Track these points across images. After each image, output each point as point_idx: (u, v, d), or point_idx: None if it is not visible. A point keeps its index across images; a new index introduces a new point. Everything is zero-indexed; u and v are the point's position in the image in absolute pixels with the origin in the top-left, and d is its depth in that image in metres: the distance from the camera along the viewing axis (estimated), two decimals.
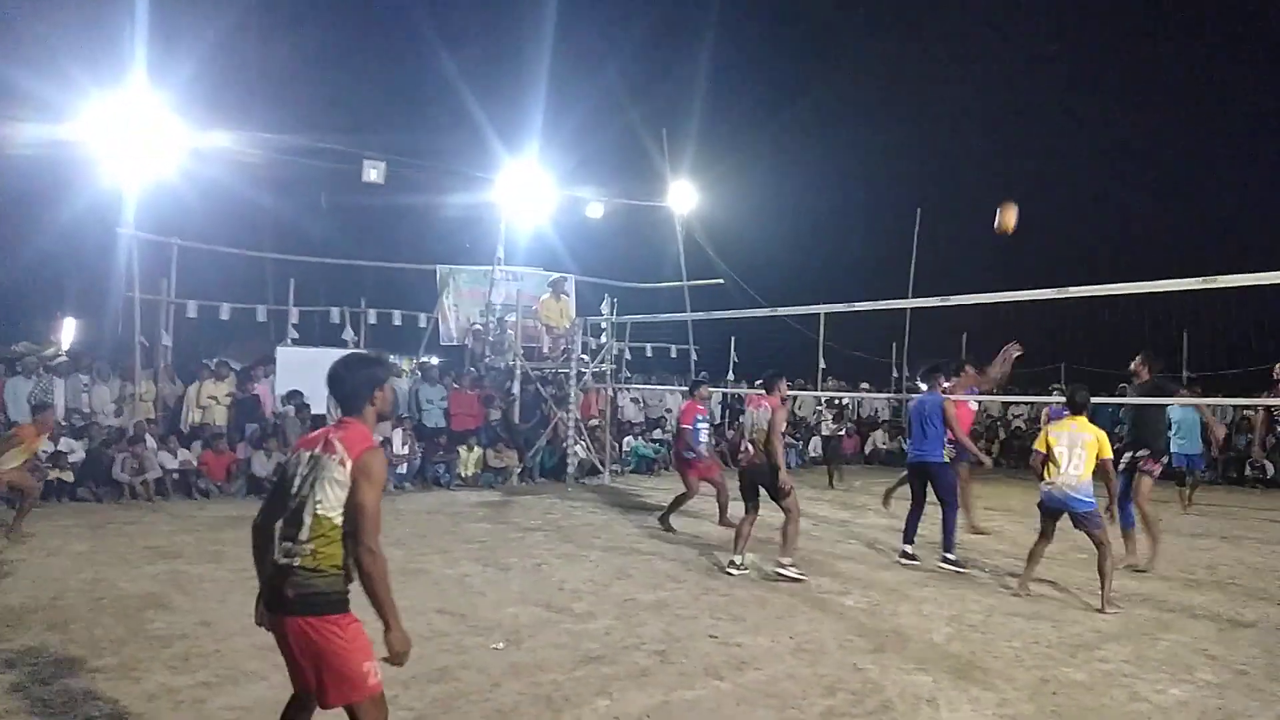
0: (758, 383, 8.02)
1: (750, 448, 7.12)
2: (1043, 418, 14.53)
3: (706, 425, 9.39)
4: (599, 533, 8.95)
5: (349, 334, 14.16)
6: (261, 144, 13.33)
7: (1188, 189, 26.86)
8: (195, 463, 10.88)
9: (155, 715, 3.97)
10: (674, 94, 24.92)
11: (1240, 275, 6.72)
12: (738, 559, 7.10)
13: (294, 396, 11.90)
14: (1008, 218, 7.41)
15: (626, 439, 14.82)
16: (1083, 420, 6.45)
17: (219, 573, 6.70)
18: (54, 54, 14.12)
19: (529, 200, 15.46)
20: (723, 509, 9.01)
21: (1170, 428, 9.67)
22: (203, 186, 14.32)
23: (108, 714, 3.97)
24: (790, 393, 11.74)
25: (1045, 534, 6.61)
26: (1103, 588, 6.21)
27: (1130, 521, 7.70)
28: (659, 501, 11.32)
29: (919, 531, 7.79)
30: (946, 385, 8.13)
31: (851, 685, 4.56)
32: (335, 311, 14.36)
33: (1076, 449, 6.29)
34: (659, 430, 15.59)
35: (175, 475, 10.66)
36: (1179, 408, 10.10)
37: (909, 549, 7.71)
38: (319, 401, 11.54)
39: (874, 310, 10.52)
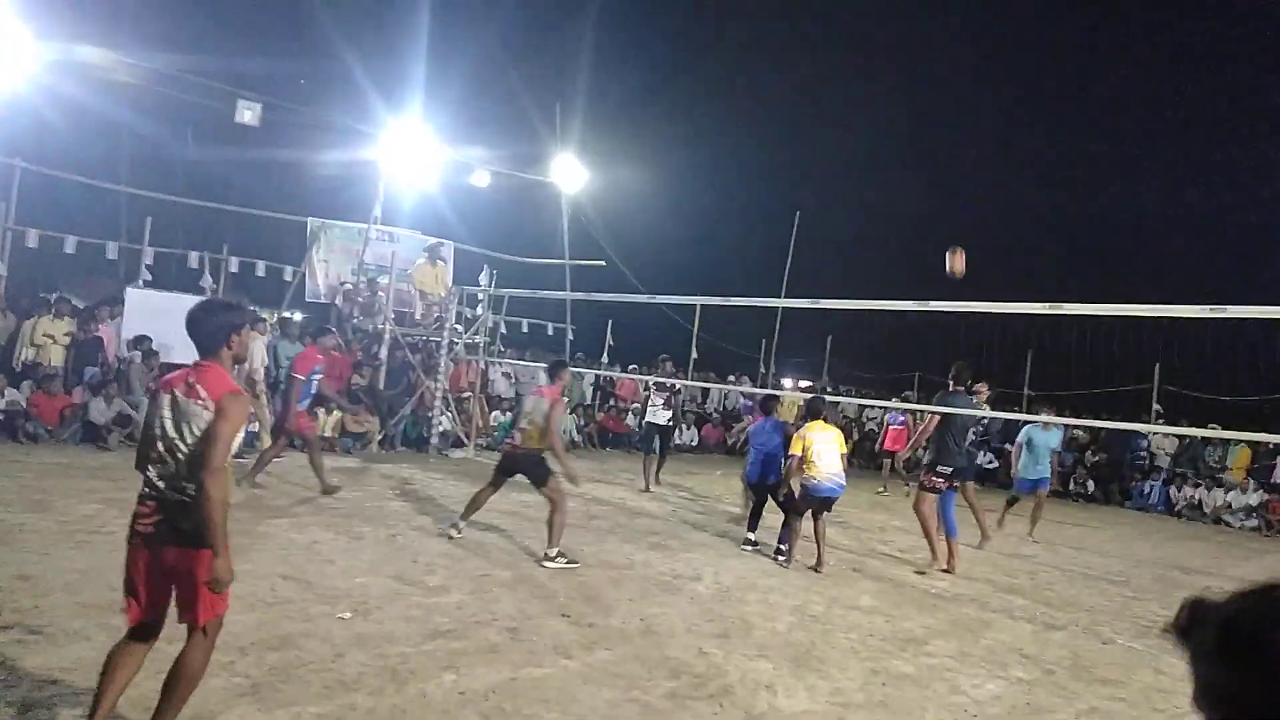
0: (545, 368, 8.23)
1: (518, 435, 7.23)
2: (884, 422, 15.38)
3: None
4: (459, 506, 8.80)
5: (207, 280, 13.35)
6: (128, 68, 12.32)
7: (1061, 207, 28.58)
8: (24, 404, 10.04)
9: None
10: (564, 69, 24.58)
11: (1085, 305, 7.26)
12: (461, 524, 7.27)
13: (141, 341, 11.17)
14: (957, 263, 7.72)
15: (494, 413, 14.65)
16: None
17: (42, 523, 6.22)
18: None
19: (411, 160, 14.97)
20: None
21: (1026, 450, 10.43)
22: (59, 105, 13.18)
23: None
24: (669, 380, 11.93)
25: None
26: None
27: (953, 531, 8.16)
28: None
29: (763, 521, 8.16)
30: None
31: (696, 669, 4.69)
32: (194, 256, 13.49)
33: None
34: None
35: (0, 416, 9.82)
36: (1039, 430, 10.28)
37: (751, 536, 8.15)
38: (168, 350, 10.87)
39: (748, 305, 10.78)
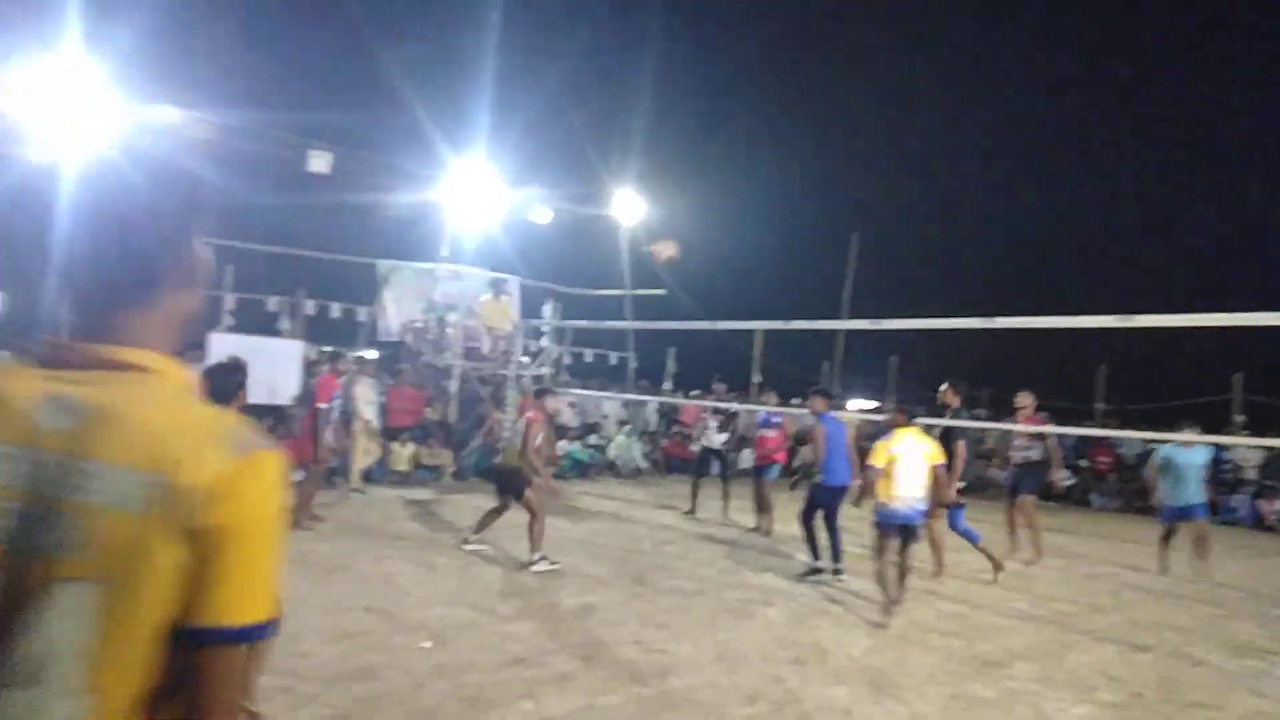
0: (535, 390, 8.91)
1: (501, 454, 8.00)
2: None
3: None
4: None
5: (285, 323, 13.89)
6: (205, 125, 13.00)
7: (1129, 226, 27.99)
8: None
9: None
10: (622, 106, 25.08)
11: (1158, 316, 7.10)
12: (473, 538, 7.89)
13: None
14: (664, 250, 7.91)
15: (561, 443, 14.83)
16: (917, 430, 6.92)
17: None
18: None
19: (475, 200, 15.39)
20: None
21: (1163, 473, 8.89)
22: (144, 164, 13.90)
23: None
24: (715, 403, 11.86)
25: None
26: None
27: (976, 537, 8.11)
28: (590, 507, 11.38)
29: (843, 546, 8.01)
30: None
31: (771, 695, 4.68)
32: (273, 300, 14.08)
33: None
34: (594, 435, 15.65)
35: None
36: (1179, 450, 8.79)
37: (816, 564, 7.91)
38: (250, 390, 11.30)
39: (809, 329, 10.76)
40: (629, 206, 17.42)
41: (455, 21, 26.44)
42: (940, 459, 6.85)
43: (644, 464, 15.65)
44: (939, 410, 8.55)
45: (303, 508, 8.54)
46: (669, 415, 18.02)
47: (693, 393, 17.86)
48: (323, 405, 8.93)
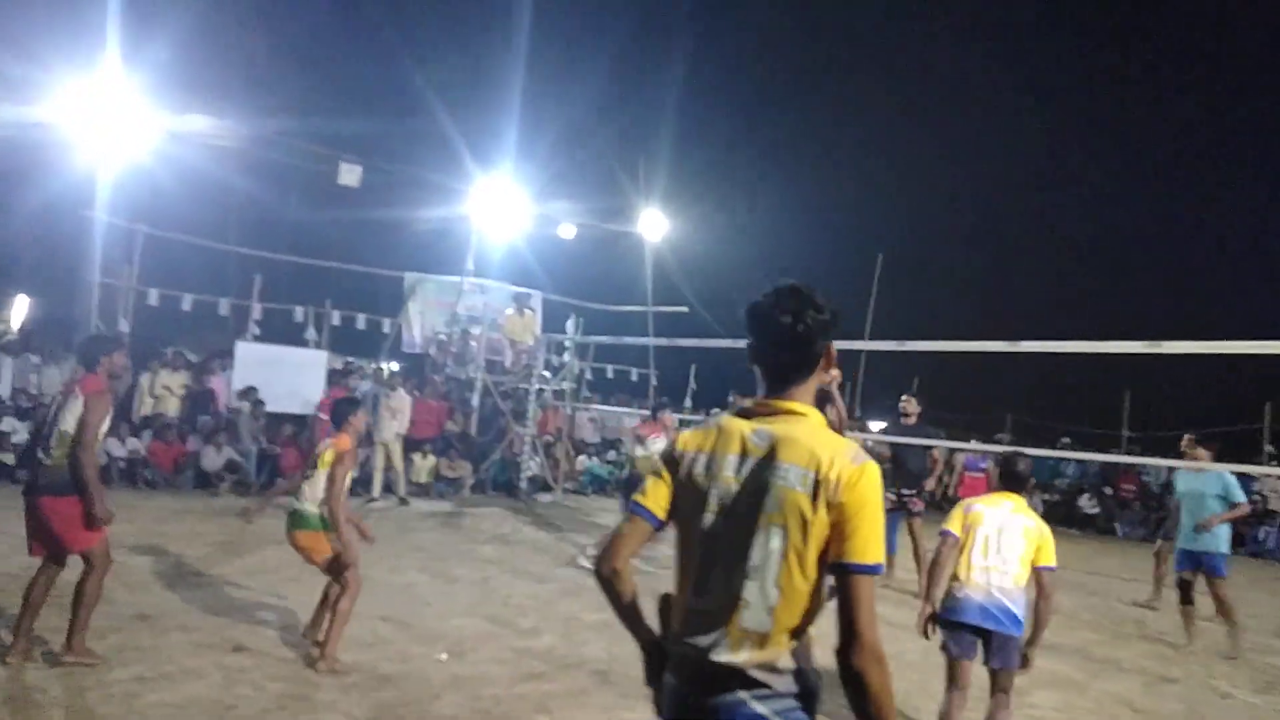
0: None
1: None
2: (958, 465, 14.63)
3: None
4: (548, 549, 8.97)
5: (311, 334, 14.04)
6: (236, 134, 13.21)
7: (1156, 251, 27.71)
8: (144, 452, 10.69)
9: (86, 708, 3.93)
10: (648, 124, 25.24)
11: (1186, 342, 7.01)
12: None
13: (249, 393, 11.77)
14: None
15: (580, 458, 14.85)
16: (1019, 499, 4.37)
17: (159, 566, 6.61)
18: (26, 34, 13.89)
19: (501, 215, 15.51)
20: None
21: (1181, 506, 7.53)
22: (175, 172, 14.14)
23: (37, 703, 3.92)
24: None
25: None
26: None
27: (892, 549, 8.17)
28: (609, 522, 11.37)
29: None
30: None
31: None
32: (299, 310, 14.21)
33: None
34: (614, 451, 15.64)
35: (122, 464, 10.46)
36: (1190, 475, 7.49)
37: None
38: (274, 399, 11.42)
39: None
40: (654, 223, 17.48)
41: (485, 36, 26.70)
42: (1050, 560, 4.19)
43: None
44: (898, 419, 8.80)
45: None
46: None
47: (712, 410, 17.86)
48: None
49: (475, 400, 13.83)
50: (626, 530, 2.01)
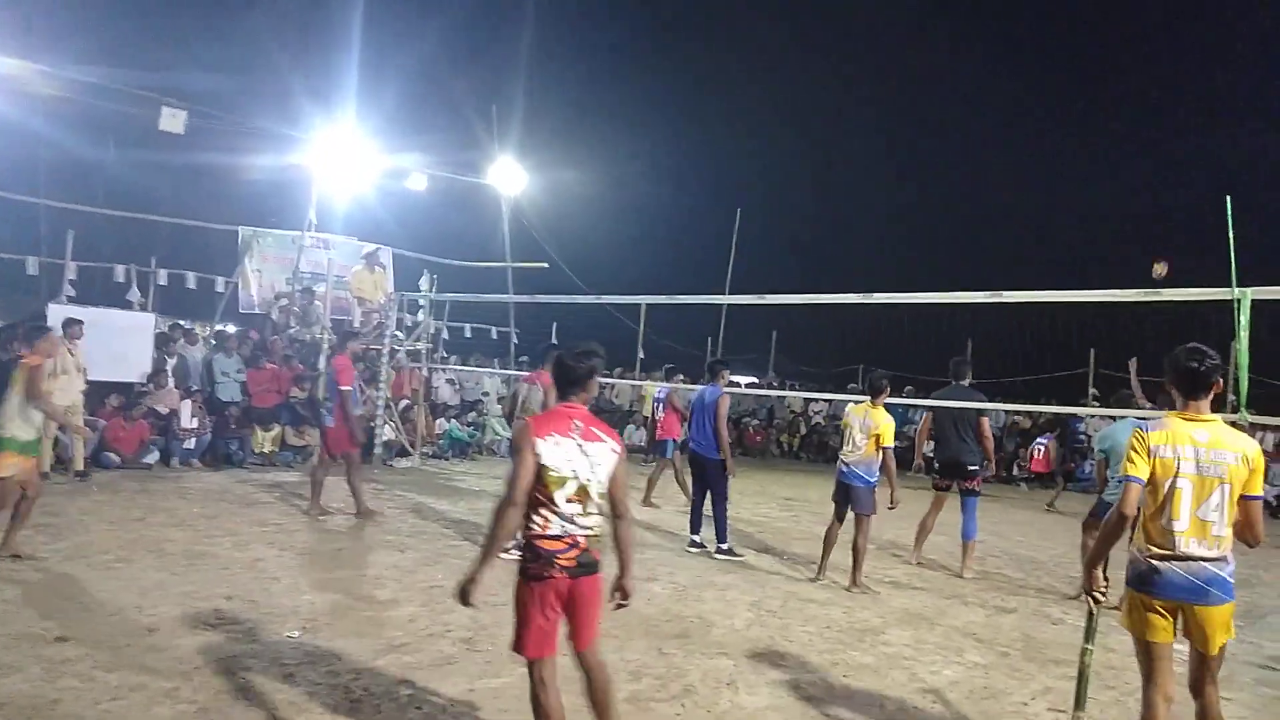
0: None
1: None
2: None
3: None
4: (406, 517, 8.64)
5: (135, 294, 12.88)
6: (44, 78, 11.78)
7: (993, 205, 29.40)
8: None
9: None
10: (501, 71, 24.52)
11: (1024, 291, 7.42)
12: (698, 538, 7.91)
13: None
14: (1160, 269, 7.44)
15: (439, 421, 14.42)
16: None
17: None
18: None
19: (344, 165, 14.66)
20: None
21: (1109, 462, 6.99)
22: None
23: None
24: (608, 380, 11.84)
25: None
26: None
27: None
28: (471, 486, 11.11)
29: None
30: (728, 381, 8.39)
31: (656, 670, 4.64)
32: (120, 269, 13.01)
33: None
34: (474, 413, 15.28)
35: None
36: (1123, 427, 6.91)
37: (696, 538, 7.96)
38: (96, 366, 10.41)
39: (694, 303, 10.79)
40: (509, 176, 17.03)
41: None
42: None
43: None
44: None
45: (355, 497, 8.36)
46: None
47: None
48: (346, 388, 8.36)
49: (322, 363, 13.11)
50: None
